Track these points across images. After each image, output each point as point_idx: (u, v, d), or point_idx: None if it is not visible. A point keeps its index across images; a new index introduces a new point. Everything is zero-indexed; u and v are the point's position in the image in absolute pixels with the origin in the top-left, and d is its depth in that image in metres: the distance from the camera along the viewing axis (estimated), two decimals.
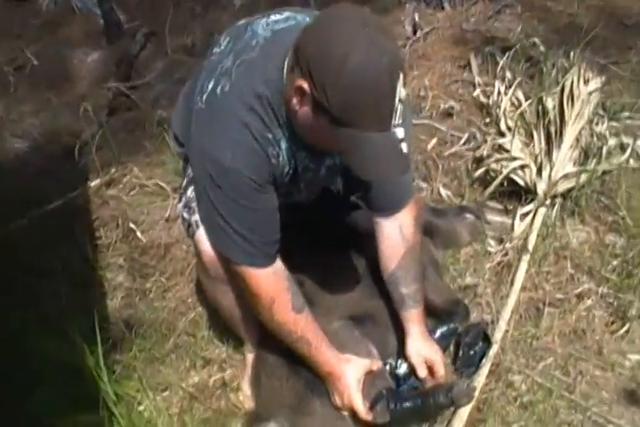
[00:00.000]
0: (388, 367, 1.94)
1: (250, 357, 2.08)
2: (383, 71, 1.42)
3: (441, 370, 1.89)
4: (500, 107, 2.77)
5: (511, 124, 2.67)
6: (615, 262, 2.28)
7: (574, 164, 2.49)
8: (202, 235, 1.76)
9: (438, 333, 2.05)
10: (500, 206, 2.53)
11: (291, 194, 1.81)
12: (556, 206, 2.45)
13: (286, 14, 1.70)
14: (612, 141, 2.58)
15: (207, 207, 1.68)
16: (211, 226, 1.72)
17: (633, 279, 2.20)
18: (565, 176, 2.46)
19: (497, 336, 2.09)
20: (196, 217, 1.78)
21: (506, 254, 2.35)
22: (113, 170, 2.79)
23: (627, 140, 2.61)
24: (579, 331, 2.14)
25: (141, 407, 2.00)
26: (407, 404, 1.83)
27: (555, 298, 2.22)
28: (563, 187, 2.46)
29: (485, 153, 2.61)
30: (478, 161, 2.65)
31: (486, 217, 2.47)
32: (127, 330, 2.21)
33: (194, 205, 1.80)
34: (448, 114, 2.88)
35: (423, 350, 1.90)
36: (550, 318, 2.17)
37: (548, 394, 1.99)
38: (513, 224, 2.44)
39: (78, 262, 2.45)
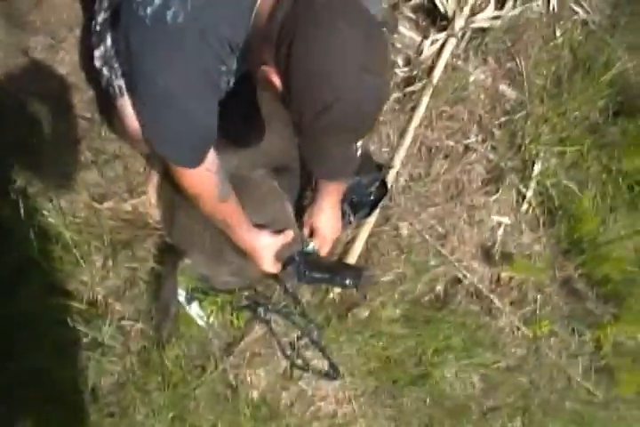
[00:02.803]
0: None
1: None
2: (371, 110, 1.39)
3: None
4: None
5: None
6: (503, 119, 2.35)
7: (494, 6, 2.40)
8: (126, 106, 1.62)
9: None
10: (414, 17, 2.37)
11: None
12: (465, 40, 2.38)
13: None
14: None
15: (144, 108, 1.53)
16: (146, 122, 1.54)
17: (513, 149, 2.34)
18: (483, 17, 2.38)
19: (391, 179, 2.13)
20: (120, 82, 1.64)
21: (411, 84, 2.27)
22: None
23: None
24: (459, 184, 2.26)
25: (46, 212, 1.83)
26: (316, 275, 1.96)
27: (445, 145, 2.28)
28: (478, 25, 2.38)
29: None
30: None
31: (398, 26, 2.33)
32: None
33: (116, 66, 1.65)
34: None
35: (320, 222, 1.95)
36: (440, 165, 2.24)
37: (424, 242, 2.14)
38: (421, 45, 2.33)
39: None
